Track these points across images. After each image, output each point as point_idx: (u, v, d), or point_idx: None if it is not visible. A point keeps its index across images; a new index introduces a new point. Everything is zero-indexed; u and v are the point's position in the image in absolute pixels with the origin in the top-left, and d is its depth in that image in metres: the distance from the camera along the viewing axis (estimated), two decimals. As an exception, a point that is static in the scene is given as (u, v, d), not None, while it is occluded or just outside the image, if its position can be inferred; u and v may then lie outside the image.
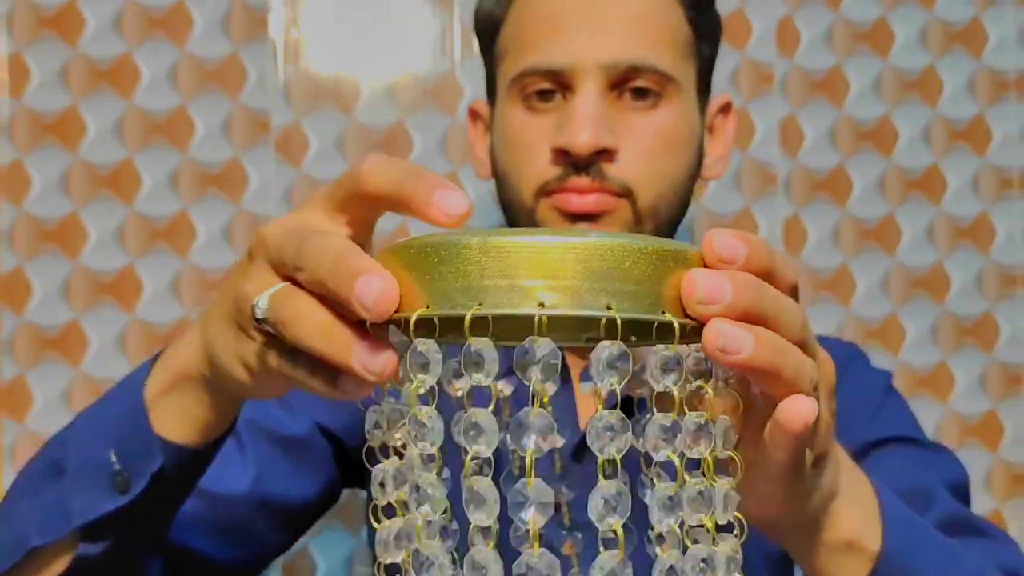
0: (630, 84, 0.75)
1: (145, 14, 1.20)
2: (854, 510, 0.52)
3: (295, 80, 1.22)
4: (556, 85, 0.75)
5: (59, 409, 1.18)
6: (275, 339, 0.44)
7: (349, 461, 0.83)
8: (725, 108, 0.87)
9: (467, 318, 0.35)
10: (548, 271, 0.35)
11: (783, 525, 0.50)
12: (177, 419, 0.55)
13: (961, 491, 0.77)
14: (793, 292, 0.43)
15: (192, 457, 0.56)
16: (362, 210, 0.44)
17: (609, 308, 0.35)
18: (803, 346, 0.41)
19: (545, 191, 0.75)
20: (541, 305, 0.35)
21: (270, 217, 1.21)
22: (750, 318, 0.39)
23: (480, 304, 0.35)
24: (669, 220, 0.79)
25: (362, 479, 0.85)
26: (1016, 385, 1.29)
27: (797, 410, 0.40)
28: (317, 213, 0.45)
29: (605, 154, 0.74)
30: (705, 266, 0.38)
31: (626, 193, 0.74)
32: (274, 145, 1.21)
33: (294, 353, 0.43)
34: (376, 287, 0.37)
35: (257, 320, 0.43)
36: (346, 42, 1.22)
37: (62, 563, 0.58)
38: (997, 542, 0.71)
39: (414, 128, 1.23)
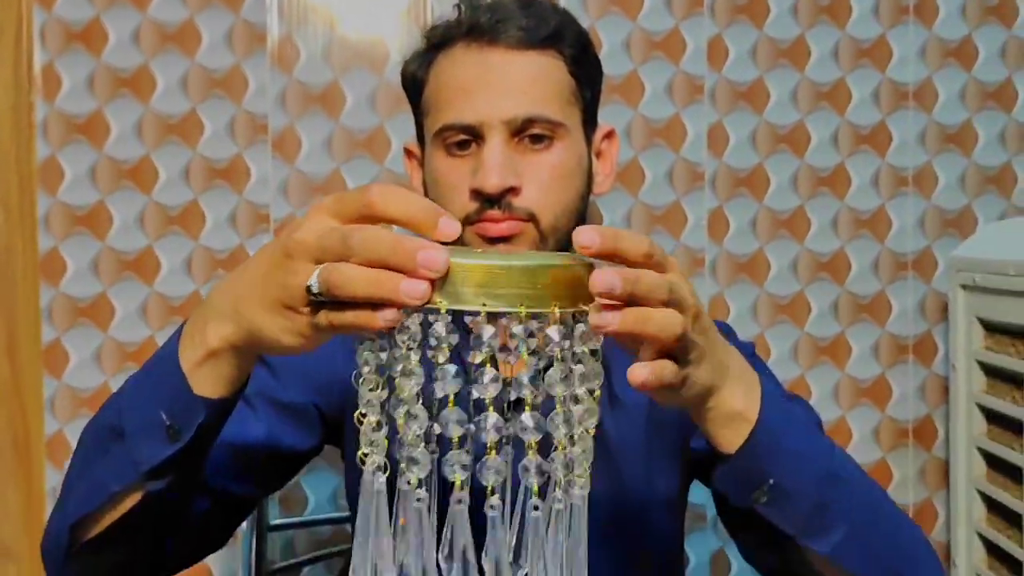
0: (527, 132, 0.95)
1: (160, 30, 1.39)
2: (739, 390, 0.70)
3: (289, 87, 1.41)
4: (470, 136, 0.95)
5: (91, 367, 1.40)
6: (321, 306, 0.59)
7: (328, 426, 1.04)
8: (609, 135, 1.07)
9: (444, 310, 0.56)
10: (491, 284, 0.56)
11: (687, 405, 0.70)
12: (212, 382, 0.71)
13: (820, 429, 0.95)
14: (648, 261, 0.60)
15: (224, 405, 0.74)
16: (363, 223, 0.61)
17: (522, 306, 0.57)
18: (667, 303, 0.60)
19: (468, 221, 0.95)
20: (484, 305, 0.57)
21: (267, 206, 1.41)
22: (636, 295, 0.58)
23: (484, 304, 0.56)
24: (568, 232, 0.98)
25: (338, 438, 1.06)
26: (903, 354, 1.51)
27: (634, 376, 0.61)
28: (327, 219, 0.60)
29: (511, 191, 0.94)
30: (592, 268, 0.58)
31: (531, 218, 0.94)
32: (271, 144, 1.41)
33: (340, 308, 0.58)
34: (438, 256, 0.55)
35: (313, 295, 0.58)
36: (337, 51, 1.41)
37: (134, 500, 0.76)
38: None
39: (391, 130, 1.43)
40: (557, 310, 0.58)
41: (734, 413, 0.70)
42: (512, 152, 0.95)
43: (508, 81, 0.95)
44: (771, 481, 0.72)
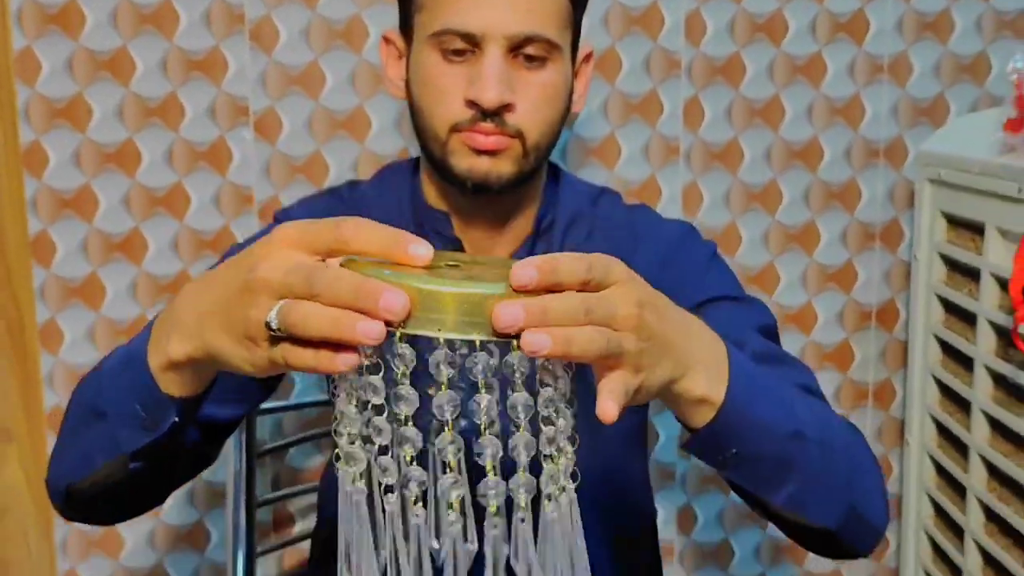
0: (524, 50, 0.98)
1: (137, 11, 1.38)
2: (702, 376, 0.71)
3: (270, 69, 1.42)
4: (468, 44, 0.97)
5: (85, 345, 1.45)
6: (279, 340, 0.60)
7: None
8: (587, 57, 1.10)
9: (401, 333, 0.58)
10: (449, 311, 0.58)
11: (652, 398, 0.71)
12: (178, 385, 0.73)
13: (769, 332, 1.02)
14: (586, 286, 0.61)
15: (195, 400, 0.75)
16: (332, 255, 0.63)
17: (478, 333, 0.58)
18: (596, 321, 0.60)
19: (457, 128, 0.98)
20: (439, 330, 0.58)
21: (251, 187, 1.44)
22: (545, 324, 0.58)
23: (439, 329, 0.58)
24: (548, 148, 1.03)
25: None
26: (870, 241, 1.55)
27: (602, 410, 0.62)
28: (293, 253, 0.61)
29: (506, 107, 0.97)
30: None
31: (518, 135, 0.98)
32: (252, 126, 1.43)
33: (300, 344, 0.59)
34: (399, 299, 0.57)
35: (272, 330, 0.59)
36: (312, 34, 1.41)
37: (121, 471, 0.80)
38: (795, 368, 0.97)
39: (372, 111, 1.44)
40: (516, 343, 0.59)
41: (699, 399, 0.72)
42: (508, 67, 0.97)
43: None
44: (734, 451, 0.75)
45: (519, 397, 0.61)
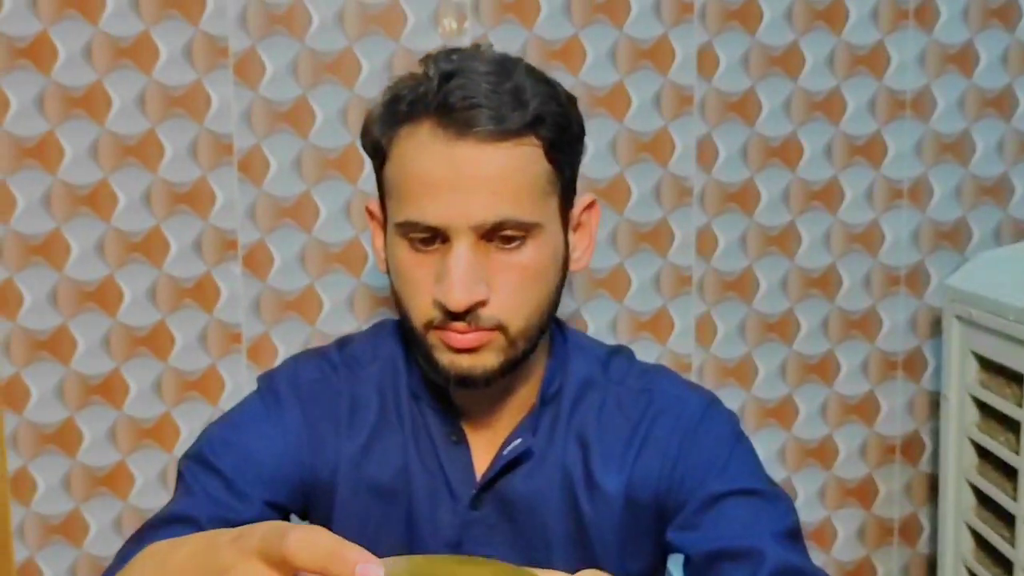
0: (499, 233, 0.86)
1: (114, 44, 1.29)
2: None
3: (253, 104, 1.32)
4: (434, 235, 0.87)
5: (53, 404, 1.34)
6: None
7: (291, 511, 0.99)
8: (589, 206, 0.98)
9: None
10: None
11: None
12: None
13: (792, 535, 0.93)
14: None
15: None
16: (287, 569, 0.55)
17: None
18: None
19: (431, 326, 0.89)
20: None
21: (235, 231, 1.34)
22: None
23: None
24: (540, 330, 0.92)
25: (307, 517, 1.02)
26: (809, 374, 1.47)
27: None
28: (256, 565, 0.55)
29: (478, 303, 0.87)
30: None
31: (499, 327, 0.88)
32: (236, 166, 1.33)
33: None
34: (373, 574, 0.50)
35: None
36: None
37: None
38: None
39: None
40: None
41: None
42: (481, 256, 0.87)
43: (478, 180, 0.85)
44: None
45: None
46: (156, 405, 1.36)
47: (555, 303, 0.94)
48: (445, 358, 0.90)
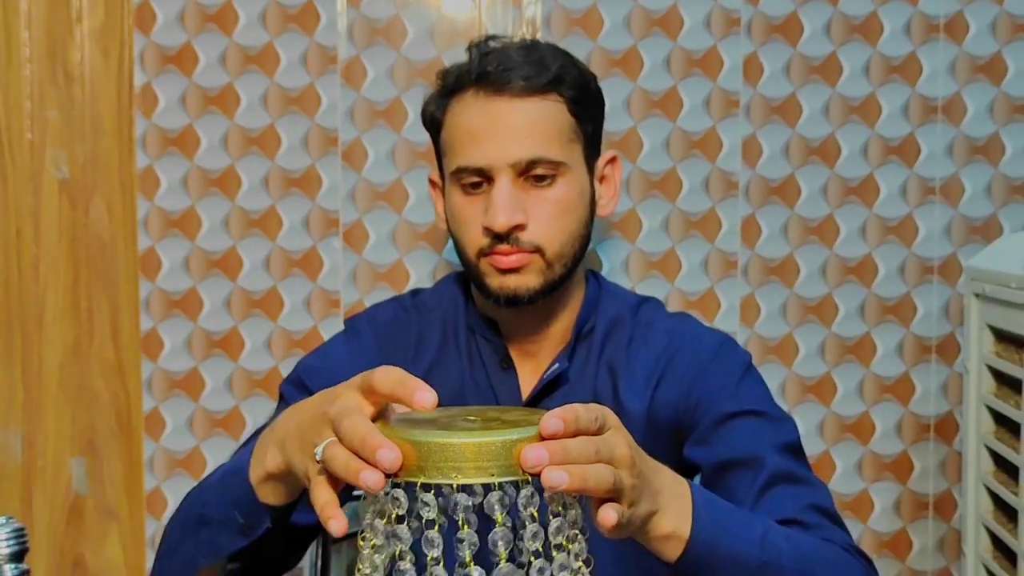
0: (532, 172, 1.08)
1: (244, 52, 1.55)
2: (670, 513, 0.79)
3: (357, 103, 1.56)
4: (481, 177, 1.09)
5: (182, 353, 1.58)
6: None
7: None
8: (612, 160, 1.18)
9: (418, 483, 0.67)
10: (462, 458, 0.66)
11: (634, 532, 0.77)
12: (273, 495, 0.84)
13: (793, 449, 1.08)
14: (600, 430, 0.70)
15: (286, 509, 0.86)
16: (375, 397, 0.75)
17: (492, 475, 0.66)
18: (602, 460, 0.69)
19: (482, 253, 1.09)
20: (455, 477, 0.65)
21: (337, 211, 1.57)
22: (566, 462, 0.67)
23: (456, 476, 0.65)
24: (574, 258, 1.12)
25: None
26: (926, 354, 1.60)
27: (603, 518, 0.70)
28: (354, 393, 0.73)
29: (518, 227, 1.07)
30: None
31: (537, 250, 1.08)
32: (341, 155, 1.57)
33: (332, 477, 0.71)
34: (389, 456, 0.66)
35: (318, 461, 0.72)
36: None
37: (218, 571, 0.91)
38: (811, 487, 1.03)
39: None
40: (529, 477, 0.67)
41: (668, 534, 0.79)
42: (519, 191, 1.08)
43: (513, 127, 1.07)
44: None
45: (533, 528, 0.69)
46: (267, 359, 1.59)
47: (585, 237, 1.13)
48: (495, 281, 1.10)
